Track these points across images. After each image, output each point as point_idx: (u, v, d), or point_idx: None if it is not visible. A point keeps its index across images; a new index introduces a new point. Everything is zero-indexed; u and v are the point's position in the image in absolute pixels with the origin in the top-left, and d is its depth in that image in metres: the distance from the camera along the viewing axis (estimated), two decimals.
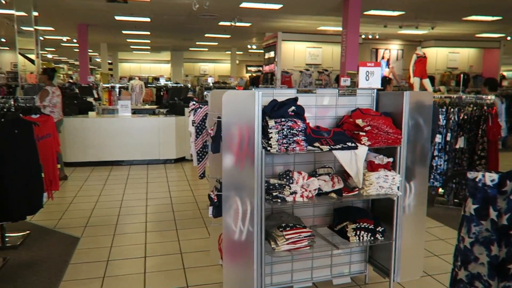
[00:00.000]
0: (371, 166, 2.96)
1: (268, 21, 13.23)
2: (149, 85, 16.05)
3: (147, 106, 10.93)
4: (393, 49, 13.73)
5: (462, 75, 11.49)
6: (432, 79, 11.39)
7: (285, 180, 2.81)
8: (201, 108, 4.75)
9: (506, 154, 5.23)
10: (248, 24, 13.64)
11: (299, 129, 2.75)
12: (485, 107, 4.96)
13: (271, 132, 2.71)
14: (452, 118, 5.01)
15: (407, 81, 11.50)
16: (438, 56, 13.43)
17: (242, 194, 2.75)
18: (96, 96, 11.00)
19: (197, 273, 3.61)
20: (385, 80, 6.41)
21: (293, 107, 2.80)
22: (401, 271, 3.04)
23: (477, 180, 1.74)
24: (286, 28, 13.80)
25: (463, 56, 13.84)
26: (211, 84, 12.68)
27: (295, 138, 2.73)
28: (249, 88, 15.14)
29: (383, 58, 13.55)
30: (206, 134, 4.55)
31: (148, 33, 15.96)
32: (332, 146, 2.77)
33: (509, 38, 14.05)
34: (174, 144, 8.13)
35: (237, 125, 2.69)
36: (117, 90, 12.93)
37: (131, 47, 21.49)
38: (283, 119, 2.74)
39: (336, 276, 3.27)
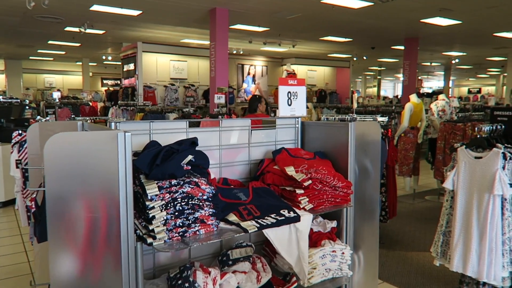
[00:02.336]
0: (310, 238, 1.88)
1: (125, 30, 11.47)
2: None
3: None
4: (257, 65, 13.36)
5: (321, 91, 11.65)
6: None
7: None
8: None
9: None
10: (101, 32, 11.62)
11: (204, 197, 1.49)
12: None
13: (153, 208, 1.38)
14: None
15: (274, 98, 11.13)
16: (300, 74, 13.54)
17: None
18: None
19: None
20: (255, 99, 5.53)
21: (190, 157, 1.52)
22: None
23: None
24: (146, 38, 12.23)
25: (319, 74, 14.26)
26: (57, 100, 10.27)
27: (197, 214, 1.46)
28: (106, 103, 13.00)
29: (249, 74, 13.03)
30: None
31: None
32: (260, 221, 1.58)
33: (355, 58, 15.06)
34: (2, 182, 5.89)
35: (81, 198, 1.29)
36: None
37: None
38: (174, 182, 1.44)
39: None
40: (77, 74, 20.95)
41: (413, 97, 5.98)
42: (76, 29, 10.93)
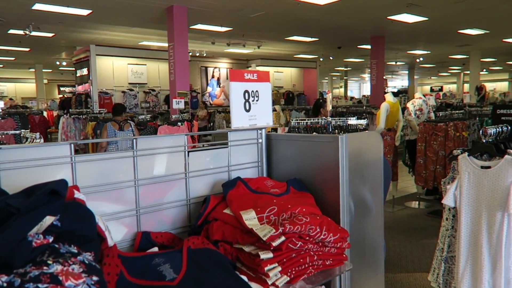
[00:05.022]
0: None
1: (77, 32, 10.43)
2: None
3: None
4: (222, 67, 12.62)
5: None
6: None
7: None
8: None
9: None
10: (50, 34, 10.53)
11: None
12: None
13: None
14: None
15: None
16: None
17: None
18: None
19: None
20: (317, 102, 4.35)
21: (48, 220, 0.77)
22: None
23: None
24: (101, 41, 11.23)
25: (286, 75, 13.70)
26: (1, 110, 9.10)
27: None
28: (59, 112, 11.86)
29: (213, 76, 12.28)
30: None
31: None
32: None
33: (321, 59, 14.60)
34: None
35: None
36: None
37: None
38: (3, 279, 0.69)
39: None
40: (30, 81, 19.43)
41: (389, 96, 5.42)
42: (21, 32, 9.79)
